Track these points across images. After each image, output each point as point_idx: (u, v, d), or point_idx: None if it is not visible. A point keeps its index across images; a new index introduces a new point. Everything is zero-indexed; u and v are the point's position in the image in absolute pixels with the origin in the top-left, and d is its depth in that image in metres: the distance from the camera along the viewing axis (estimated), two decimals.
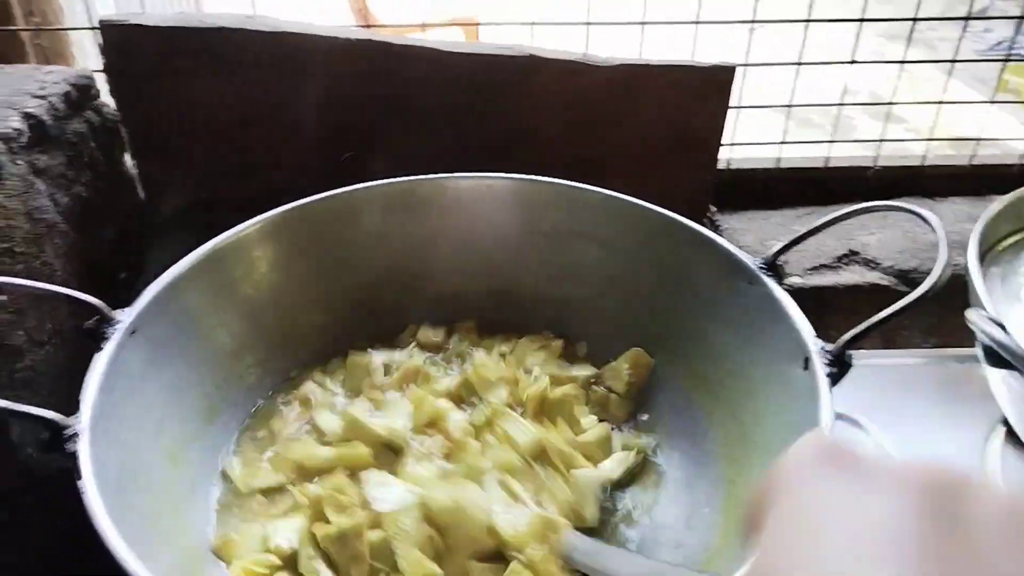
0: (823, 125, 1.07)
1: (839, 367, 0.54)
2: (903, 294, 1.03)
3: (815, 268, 0.99)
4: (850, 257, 1.00)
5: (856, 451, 0.27)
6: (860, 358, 0.88)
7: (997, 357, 0.56)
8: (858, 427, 0.78)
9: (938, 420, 0.79)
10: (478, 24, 1.97)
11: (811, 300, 0.78)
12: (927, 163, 1.09)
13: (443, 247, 0.74)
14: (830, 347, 0.55)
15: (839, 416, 0.80)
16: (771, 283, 0.61)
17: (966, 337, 0.66)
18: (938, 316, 1.01)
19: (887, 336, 1.02)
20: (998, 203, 0.72)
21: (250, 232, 0.65)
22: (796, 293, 0.62)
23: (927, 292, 0.54)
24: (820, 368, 0.53)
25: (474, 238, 0.74)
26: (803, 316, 0.58)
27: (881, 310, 1.04)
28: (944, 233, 0.56)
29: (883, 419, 0.78)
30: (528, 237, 0.74)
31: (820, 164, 1.08)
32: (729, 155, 1.08)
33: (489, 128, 0.88)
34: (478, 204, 0.73)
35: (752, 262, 0.63)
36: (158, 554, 0.46)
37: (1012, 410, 0.65)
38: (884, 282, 0.98)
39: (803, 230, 1.04)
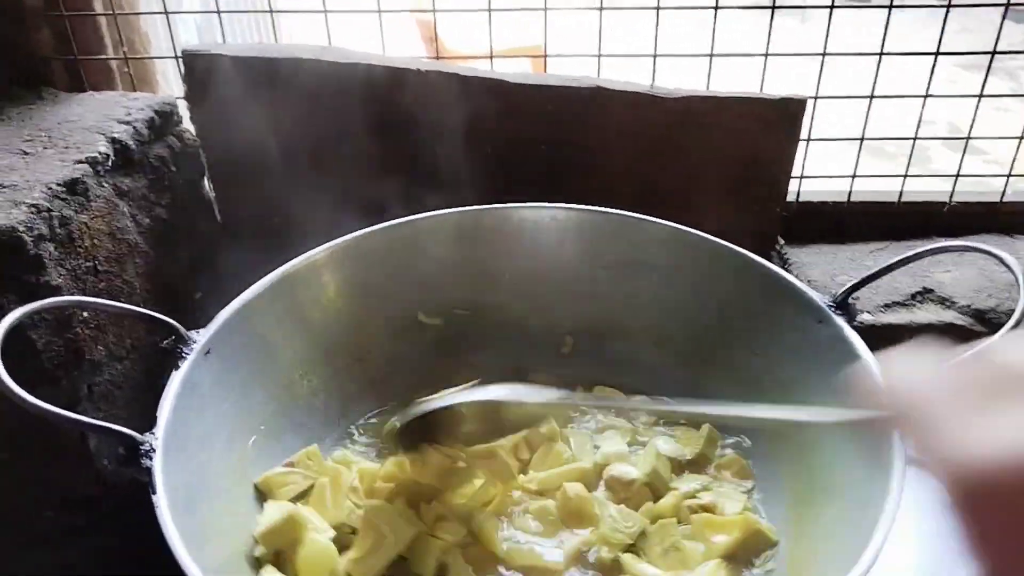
0: (897, 156, 1.04)
1: None
2: (979, 334, 1.00)
3: (888, 305, 0.96)
4: (924, 295, 0.97)
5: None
6: None
7: None
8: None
9: None
10: (545, 56, 1.99)
11: (883, 339, 0.75)
12: (1005, 199, 1.05)
13: (508, 275, 0.74)
14: None
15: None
16: (842, 323, 0.59)
17: None
18: None
19: None
20: None
21: (319, 258, 0.67)
22: (867, 331, 0.60)
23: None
24: None
25: (539, 267, 0.74)
26: (874, 357, 0.56)
27: (956, 350, 1.00)
28: (1023, 274, 0.54)
29: None
30: (591, 267, 0.74)
31: (893, 199, 1.05)
32: (799, 187, 1.06)
33: (556, 159, 0.89)
34: (542, 234, 0.73)
35: (822, 301, 0.61)
36: (215, 563, 0.47)
37: None
38: (960, 322, 0.94)
39: (874, 265, 1.02)
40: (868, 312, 0.97)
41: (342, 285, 0.69)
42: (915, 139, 1.03)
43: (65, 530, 0.71)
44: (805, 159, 1.02)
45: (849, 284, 0.62)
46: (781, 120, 0.92)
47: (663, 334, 0.72)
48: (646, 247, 0.71)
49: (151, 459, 0.49)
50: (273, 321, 0.64)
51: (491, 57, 0.97)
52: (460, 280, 0.74)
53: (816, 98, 0.95)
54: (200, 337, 0.57)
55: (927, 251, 0.59)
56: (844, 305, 0.61)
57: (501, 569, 0.57)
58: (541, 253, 0.74)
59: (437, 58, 0.93)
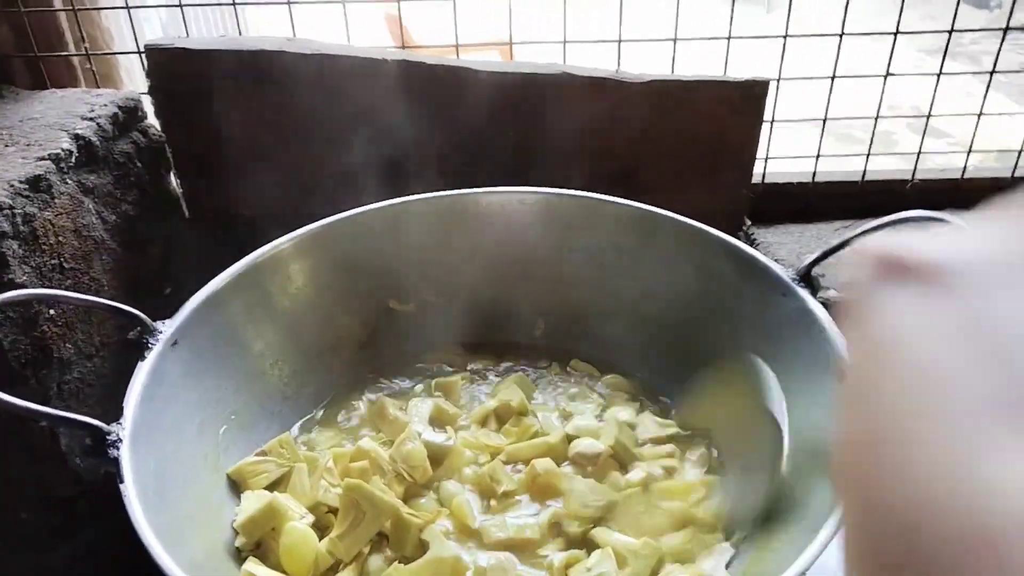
0: (865, 140, 1.06)
1: None
2: None
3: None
4: None
5: (917, 251, 0.22)
6: None
7: None
8: None
9: None
10: (511, 44, 1.99)
11: None
12: (966, 175, 1.07)
13: (478, 260, 0.75)
14: None
15: None
16: (805, 295, 0.60)
17: None
18: None
19: None
20: None
21: (286, 247, 0.67)
22: (833, 307, 0.61)
23: None
24: None
25: (509, 250, 0.75)
26: (837, 327, 0.57)
27: None
28: None
29: None
30: (560, 249, 0.74)
31: (856, 178, 1.07)
32: (764, 169, 1.07)
33: (523, 145, 0.89)
34: (511, 218, 0.74)
35: (786, 274, 0.62)
36: (194, 555, 0.47)
37: None
38: None
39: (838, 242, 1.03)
40: (834, 289, 0.99)
41: (310, 274, 0.69)
42: (877, 118, 1.04)
43: (43, 532, 0.71)
44: (770, 141, 1.04)
45: (811, 258, 0.63)
46: (746, 102, 0.93)
47: (635, 313, 0.73)
48: (614, 228, 0.72)
49: (118, 449, 0.48)
50: (242, 310, 0.64)
51: (456, 47, 0.98)
52: (430, 266, 0.74)
53: (779, 80, 0.96)
54: (167, 328, 0.57)
55: (888, 222, 0.60)
56: (807, 278, 0.62)
57: (477, 543, 0.57)
58: (511, 237, 0.74)
59: (403, 48, 0.93)
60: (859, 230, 0.62)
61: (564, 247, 0.74)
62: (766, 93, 0.93)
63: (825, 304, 0.61)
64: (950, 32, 0.98)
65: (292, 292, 0.68)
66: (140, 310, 0.58)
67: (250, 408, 0.63)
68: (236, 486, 0.61)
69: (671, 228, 0.69)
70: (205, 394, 0.60)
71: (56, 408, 0.64)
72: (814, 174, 1.07)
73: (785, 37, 0.96)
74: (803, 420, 0.58)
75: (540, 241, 0.74)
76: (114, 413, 0.67)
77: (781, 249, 1.02)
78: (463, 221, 0.74)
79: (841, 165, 1.09)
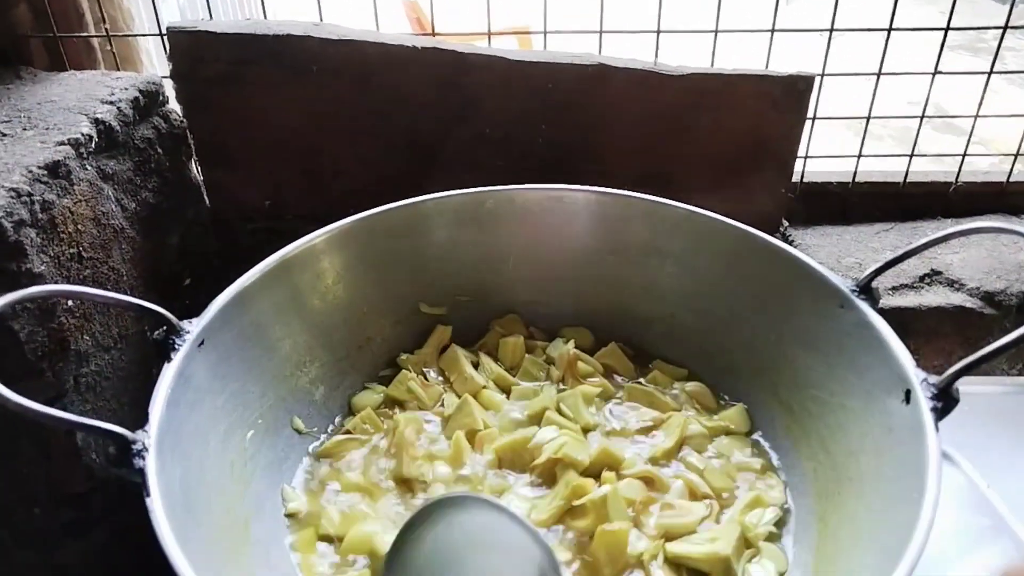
0: (885, 139, 1.03)
1: (944, 402, 0.50)
2: (989, 317, 0.98)
3: (896, 288, 0.94)
4: (932, 277, 0.95)
5: None
6: None
7: None
8: (949, 461, 0.73)
9: None
10: (530, 33, 1.95)
11: (892, 322, 0.74)
12: (1012, 179, 1.04)
13: (514, 259, 0.72)
14: (935, 379, 0.51)
15: None
16: (866, 308, 0.57)
17: None
18: None
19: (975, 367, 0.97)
20: None
21: (318, 243, 0.64)
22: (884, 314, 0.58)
23: None
24: (924, 402, 0.49)
25: (545, 252, 0.71)
26: (903, 345, 0.54)
27: (966, 333, 0.99)
28: None
29: (972, 451, 0.73)
30: (600, 252, 0.71)
31: (899, 179, 1.03)
32: (803, 168, 1.04)
33: (557, 138, 0.86)
34: (549, 217, 0.70)
35: (844, 285, 0.59)
36: (221, 569, 0.44)
37: None
38: (969, 304, 0.93)
39: (880, 247, 1.00)
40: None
41: (342, 271, 0.66)
42: (923, 118, 1.01)
43: (56, 529, 0.69)
44: (811, 139, 1.00)
45: (873, 268, 0.59)
46: (789, 98, 0.90)
47: (676, 322, 0.70)
48: (658, 230, 0.68)
49: (144, 459, 0.46)
50: (270, 309, 0.61)
51: (488, 34, 0.94)
52: (462, 266, 0.71)
53: (823, 75, 0.92)
54: (193, 327, 0.54)
55: (957, 232, 0.57)
56: (867, 289, 0.59)
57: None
58: (546, 237, 0.71)
59: (427, 34, 0.90)
60: (922, 241, 0.59)
61: (603, 249, 0.71)
62: (810, 89, 0.90)
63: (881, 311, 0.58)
64: (1004, 29, 0.94)
65: (322, 290, 0.65)
66: (158, 300, 0.55)
67: (276, 413, 0.60)
68: (268, 492, 0.58)
69: (719, 231, 0.66)
70: (231, 398, 0.57)
71: (72, 401, 0.62)
72: (854, 174, 1.04)
73: (831, 31, 0.92)
74: (860, 443, 0.55)
75: (579, 242, 0.71)
76: (131, 407, 0.65)
77: (820, 252, 0.99)
78: (497, 219, 0.71)
79: (871, 165, 1.06)
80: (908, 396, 0.51)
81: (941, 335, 0.95)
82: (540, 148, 0.86)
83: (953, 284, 0.94)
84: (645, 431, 0.64)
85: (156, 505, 0.43)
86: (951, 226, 1.08)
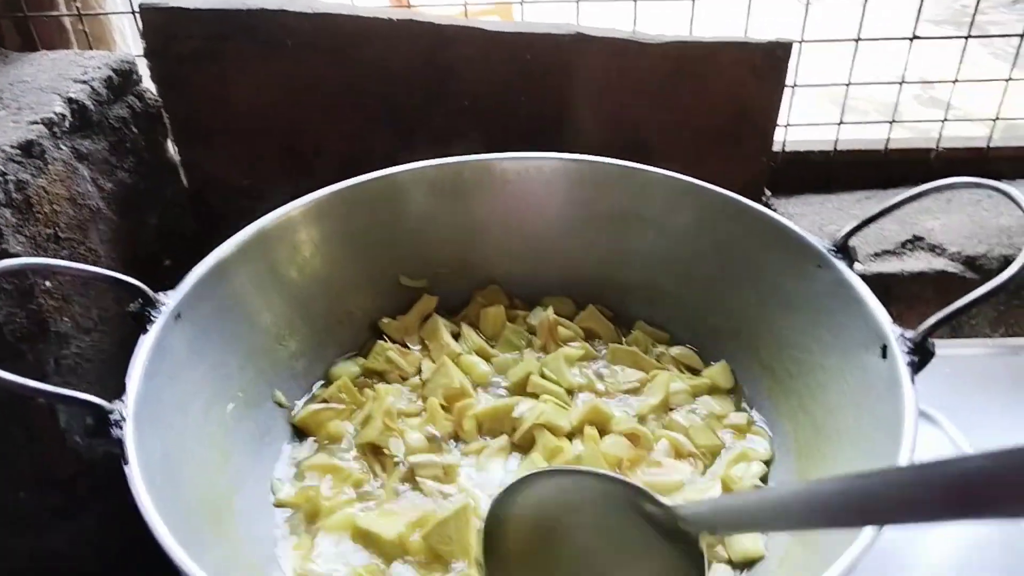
0: (869, 113, 1.03)
1: (920, 356, 0.50)
2: (971, 281, 0.98)
3: (878, 254, 0.95)
4: (914, 243, 0.95)
5: None
6: None
7: None
8: (931, 421, 0.74)
9: (1013, 413, 0.75)
10: (511, 3, 1.93)
11: (874, 288, 0.74)
12: (992, 144, 1.04)
13: (493, 231, 0.72)
14: (910, 334, 0.51)
15: None
16: (842, 267, 0.57)
17: None
18: (1007, 305, 0.96)
19: (953, 327, 0.98)
20: None
21: (295, 214, 0.63)
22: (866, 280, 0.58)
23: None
24: (900, 357, 0.50)
25: (525, 221, 0.71)
26: (878, 302, 0.54)
27: (948, 298, 0.99)
28: None
29: (955, 413, 0.74)
30: (580, 219, 0.71)
31: (880, 147, 1.03)
32: (784, 137, 1.04)
33: (536, 109, 0.85)
34: (527, 186, 0.70)
35: (822, 245, 0.59)
36: (204, 541, 0.44)
37: None
38: (951, 269, 0.93)
39: (863, 214, 1.00)
40: (858, 261, 0.96)
41: (320, 243, 0.65)
42: (902, 83, 1.01)
43: (43, 513, 0.68)
44: (791, 109, 1.00)
45: (849, 227, 0.60)
46: (769, 66, 0.90)
47: (657, 287, 0.70)
48: (636, 196, 0.68)
49: (121, 428, 0.45)
50: (248, 282, 0.60)
51: (465, 6, 0.93)
52: (442, 237, 0.71)
53: (802, 42, 0.92)
54: (169, 300, 0.54)
55: (934, 188, 0.57)
56: (844, 249, 0.59)
57: None
58: (526, 206, 0.71)
59: (405, 6, 0.89)
60: (898, 198, 0.59)
61: (582, 216, 0.71)
62: (789, 56, 0.90)
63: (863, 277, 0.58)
64: None
65: (300, 263, 0.65)
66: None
67: (257, 386, 0.60)
68: (249, 466, 0.57)
69: (696, 196, 0.66)
70: (210, 371, 0.56)
71: (54, 384, 0.61)
72: (836, 143, 1.04)
73: None
74: (838, 400, 0.55)
75: (558, 210, 0.71)
76: (115, 391, 0.64)
77: (803, 220, 0.99)
78: (477, 189, 0.70)
79: (853, 134, 1.06)
80: (884, 351, 0.51)
81: (923, 300, 0.95)
82: (520, 119, 0.86)
83: (934, 249, 0.95)
84: (631, 391, 0.64)
85: (135, 473, 0.43)
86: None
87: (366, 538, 0.53)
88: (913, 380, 0.49)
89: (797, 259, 0.60)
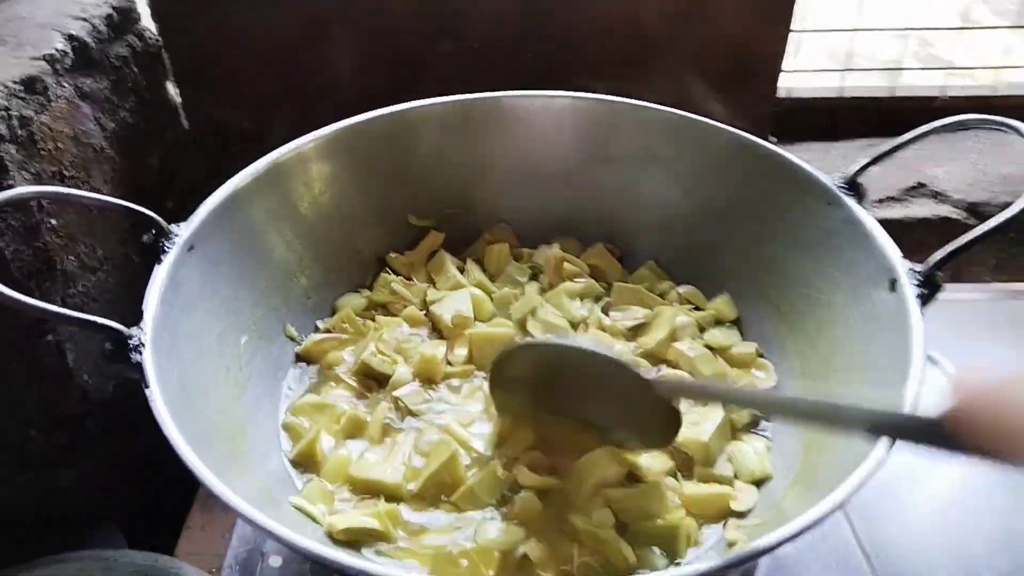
0: (871, 74, 1.02)
1: (929, 288, 0.51)
2: (973, 228, 0.99)
3: (882, 200, 0.95)
4: (918, 189, 0.96)
5: None
6: None
7: None
8: (932, 362, 0.75)
9: (1010, 354, 0.76)
10: None
11: None
12: (998, 92, 1.04)
13: (501, 170, 0.71)
14: (919, 267, 0.52)
15: None
16: (852, 203, 0.58)
17: None
18: (1007, 252, 0.97)
19: (954, 273, 0.98)
20: None
21: (307, 149, 0.63)
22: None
23: None
24: (909, 289, 0.50)
25: (533, 160, 0.71)
26: (888, 237, 0.55)
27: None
28: None
29: (954, 354, 0.75)
30: (588, 159, 0.71)
31: (885, 94, 1.03)
32: (789, 85, 1.03)
33: (544, 50, 0.85)
34: (536, 124, 0.70)
35: (831, 182, 0.59)
36: (222, 465, 0.45)
37: None
38: (954, 215, 0.94)
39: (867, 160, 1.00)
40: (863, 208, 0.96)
41: (330, 179, 0.65)
42: (919, 29, 1.00)
43: (50, 451, 0.69)
44: (798, 52, 0.99)
45: (860, 163, 0.60)
46: (776, 8, 0.89)
47: (665, 227, 0.70)
48: (647, 136, 0.68)
49: (140, 354, 0.46)
50: (261, 215, 0.60)
51: None
52: (451, 175, 0.71)
53: None
54: (182, 231, 0.54)
55: (942, 126, 0.57)
56: (854, 185, 0.59)
57: None
58: (534, 145, 0.71)
59: None
60: (910, 135, 0.59)
61: (591, 155, 0.71)
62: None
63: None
64: None
65: (311, 198, 0.64)
66: None
67: (270, 320, 0.61)
68: (264, 396, 0.58)
69: (707, 134, 0.66)
70: (223, 303, 0.57)
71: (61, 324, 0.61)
72: (841, 89, 1.03)
73: None
74: (845, 334, 0.56)
75: (567, 149, 0.71)
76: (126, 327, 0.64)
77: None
78: (485, 127, 0.70)
79: (855, 83, 1.05)
80: (893, 285, 0.52)
81: (927, 246, 0.95)
82: (527, 60, 0.85)
83: (938, 196, 0.95)
84: (635, 330, 0.65)
85: (156, 395, 0.44)
86: (932, 136, 1.08)
87: (367, 486, 0.54)
88: (922, 312, 0.49)
89: (807, 197, 0.60)
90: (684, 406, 0.59)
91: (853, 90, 1.04)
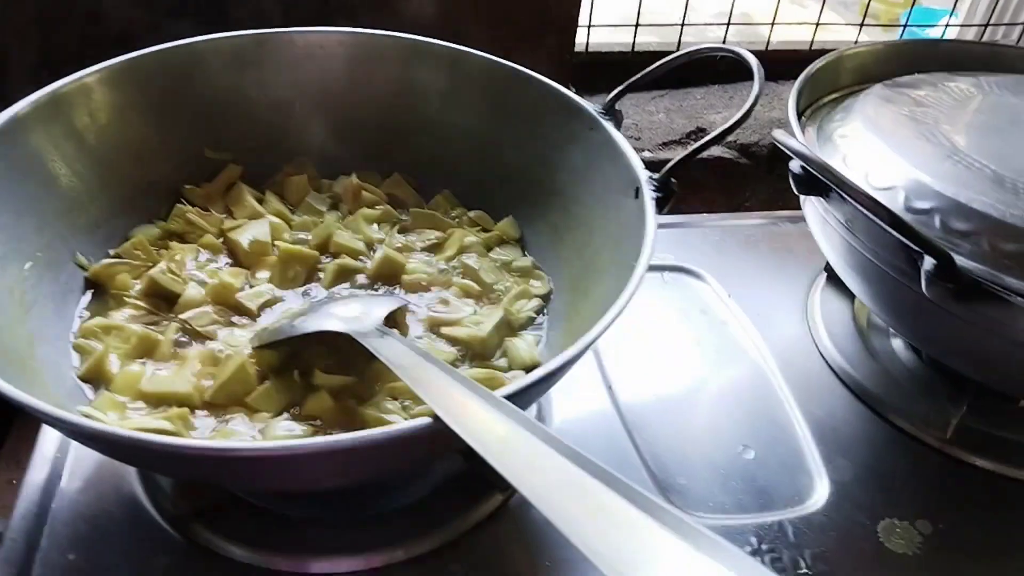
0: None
1: (665, 191, 0.58)
2: (744, 166, 1.11)
3: (665, 144, 1.05)
4: (697, 134, 1.06)
5: None
6: (706, 220, 0.94)
7: (806, 182, 0.62)
8: (699, 279, 0.84)
9: (771, 272, 0.87)
10: None
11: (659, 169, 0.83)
12: (770, 48, 1.16)
13: (301, 104, 0.74)
14: (656, 176, 0.59)
15: (681, 268, 0.87)
16: (609, 127, 0.65)
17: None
18: (775, 189, 1.10)
19: (734, 208, 1.10)
20: (818, 62, 0.78)
21: (89, 80, 0.63)
22: (648, 165, 0.65)
23: (742, 117, 0.59)
24: (648, 193, 0.58)
25: (333, 95, 0.74)
26: (636, 154, 0.62)
27: (725, 183, 1.11)
28: (760, 70, 0.61)
29: (721, 272, 0.85)
30: (386, 94, 0.75)
31: (672, 49, 1.13)
32: (586, 40, 1.11)
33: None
34: (334, 60, 0.73)
35: (592, 108, 0.66)
36: (11, 379, 0.45)
37: (826, 245, 0.72)
38: (728, 155, 1.05)
39: (656, 110, 1.10)
40: (648, 150, 1.06)
41: (119, 109, 0.65)
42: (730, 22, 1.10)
43: None
44: (592, 8, 1.07)
45: (615, 91, 0.67)
46: None
47: (453, 158, 0.75)
48: (422, 69, 0.73)
49: None
50: (45, 143, 0.60)
51: None
52: (248, 109, 0.72)
53: None
54: None
55: (685, 53, 0.66)
56: (611, 111, 0.66)
57: None
58: (333, 82, 0.74)
59: None
60: (656, 65, 0.67)
61: (389, 91, 0.74)
62: None
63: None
64: None
65: (99, 129, 0.64)
66: None
67: (56, 248, 0.60)
68: (53, 323, 0.58)
69: (482, 68, 0.72)
70: (5, 229, 0.56)
71: None
72: (633, 44, 1.12)
73: None
74: (602, 240, 0.63)
75: (364, 85, 0.74)
76: None
77: (645, 115, 1.08)
78: (279, 63, 0.72)
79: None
80: (637, 192, 0.59)
81: (706, 186, 1.07)
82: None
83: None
84: (429, 249, 0.70)
85: None
86: (716, 89, 1.19)
87: (158, 399, 0.55)
88: (657, 211, 0.57)
89: (573, 123, 0.67)
90: (469, 307, 0.65)
91: (646, 45, 1.13)
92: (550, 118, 0.69)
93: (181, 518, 0.57)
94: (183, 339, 0.60)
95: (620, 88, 0.68)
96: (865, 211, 0.55)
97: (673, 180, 0.60)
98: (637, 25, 1.10)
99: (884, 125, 0.69)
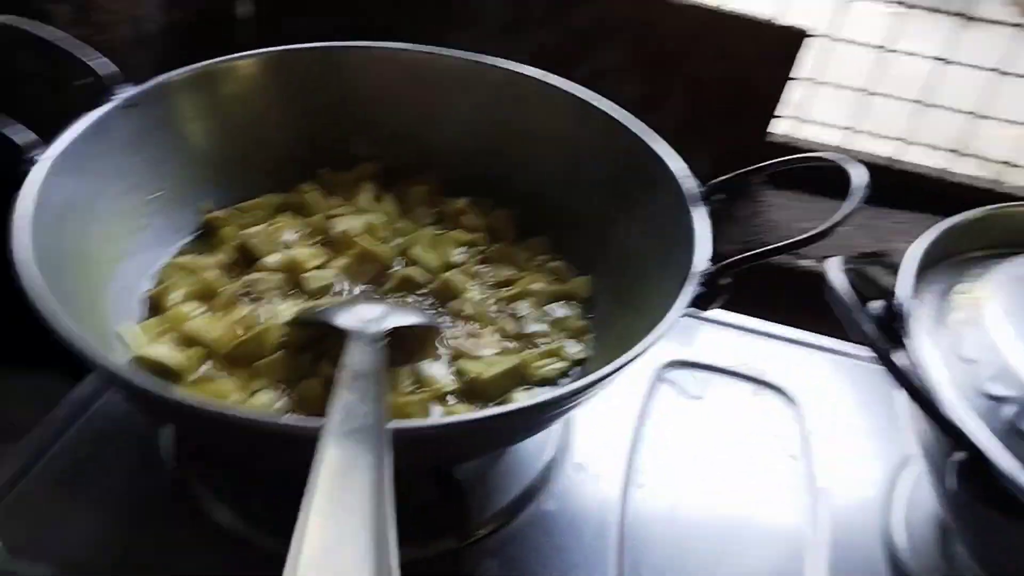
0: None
1: (711, 288, 0.55)
2: None
3: None
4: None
5: None
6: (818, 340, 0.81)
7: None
8: (790, 402, 0.75)
9: (872, 421, 0.75)
10: None
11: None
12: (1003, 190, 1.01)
13: (453, 121, 0.78)
14: (711, 270, 0.55)
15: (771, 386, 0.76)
16: (703, 211, 0.61)
17: None
18: None
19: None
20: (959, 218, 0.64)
21: (242, 64, 0.72)
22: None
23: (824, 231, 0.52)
24: (691, 287, 0.54)
25: (477, 122, 0.78)
26: (709, 240, 0.58)
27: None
28: (861, 188, 0.54)
29: (815, 402, 0.75)
30: (519, 133, 0.76)
31: (884, 163, 1.03)
32: (794, 132, 1.04)
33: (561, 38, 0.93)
34: (485, 91, 0.77)
35: (695, 189, 0.63)
36: (67, 287, 0.50)
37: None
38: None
39: (826, 218, 1.00)
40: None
41: (274, 96, 0.74)
42: (925, 104, 0.99)
43: None
44: (812, 103, 1.01)
45: (715, 181, 0.64)
46: (776, 49, 0.92)
47: (559, 201, 0.75)
48: (530, 107, 0.75)
49: (31, 166, 0.54)
50: (192, 109, 0.69)
51: None
52: (400, 118, 0.78)
53: (818, 35, 0.93)
54: (127, 91, 0.63)
55: (785, 160, 0.61)
56: (708, 196, 0.62)
57: None
58: (486, 110, 0.77)
59: None
60: (759, 166, 0.65)
61: (520, 129, 0.76)
62: (800, 44, 0.91)
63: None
64: None
65: (242, 109, 0.73)
66: None
67: (185, 192, 0.70)
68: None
69: (561, 99, 0.72)
70: (144, 164, 0.65)
71: None
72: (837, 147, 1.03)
73: None
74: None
75: (507, 121, 0.76)
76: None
77: (781, 212, 1.00)
78: (442, 82, 0.77)
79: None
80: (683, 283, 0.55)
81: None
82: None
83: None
84: (497, 284, 0.71)
85: (23, 209, 0.51)
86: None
87: (188, 338, 0.61)
88: (701, 308, 0.54)
89: (675, 199, 0.63)
90: (495, 348, 0.64)
91: (857, 153, 1.03)
92: (653, 189, 0.66)
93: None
94: (243, 296, 0.66)
95: (723, 179, 0.63)
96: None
97: (725, 280, 0.54)
98: (852, 129, 1.00)
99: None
